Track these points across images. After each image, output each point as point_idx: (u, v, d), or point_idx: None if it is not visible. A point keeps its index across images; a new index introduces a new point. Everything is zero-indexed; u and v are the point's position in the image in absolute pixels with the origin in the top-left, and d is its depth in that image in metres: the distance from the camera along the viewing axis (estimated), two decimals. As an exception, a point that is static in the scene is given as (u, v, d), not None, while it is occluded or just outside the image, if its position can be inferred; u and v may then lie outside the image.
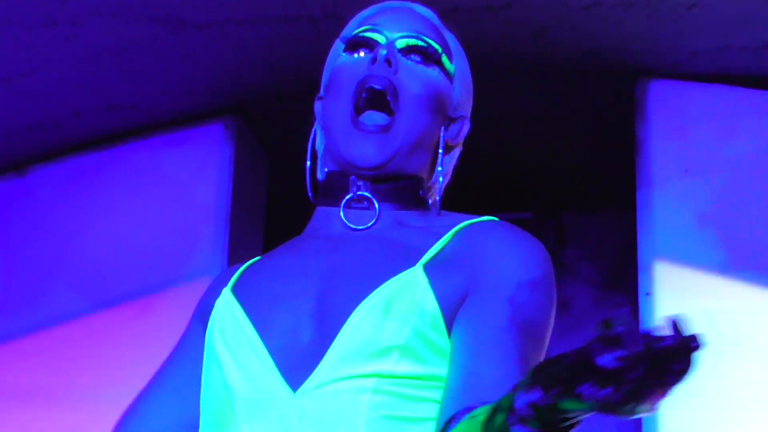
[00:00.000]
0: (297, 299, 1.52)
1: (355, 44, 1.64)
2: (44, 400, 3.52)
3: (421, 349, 1.45)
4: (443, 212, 1.62)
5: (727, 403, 3.15)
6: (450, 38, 1.70)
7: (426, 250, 1.52)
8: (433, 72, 1.63)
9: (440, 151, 1.63)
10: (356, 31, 1.66)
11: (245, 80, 3.56)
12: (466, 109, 1.71)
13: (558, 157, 3.99)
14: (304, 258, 1.58)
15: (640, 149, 3.44)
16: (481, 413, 1.26)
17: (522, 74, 3.53)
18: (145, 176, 3.69)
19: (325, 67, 1.71)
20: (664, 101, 3.47)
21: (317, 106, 1.70)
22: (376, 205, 1.59)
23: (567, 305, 4.13)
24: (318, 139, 1.69)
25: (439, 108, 1.63)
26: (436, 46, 1.64)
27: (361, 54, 1.63)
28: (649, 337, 1.08)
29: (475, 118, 1.71)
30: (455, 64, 1.68)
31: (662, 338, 1.08)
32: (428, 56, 1.63)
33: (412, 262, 1.50)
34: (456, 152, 1.70)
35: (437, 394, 1.44)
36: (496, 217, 1.60)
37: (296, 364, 1.47)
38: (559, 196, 4.22)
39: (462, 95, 1.69)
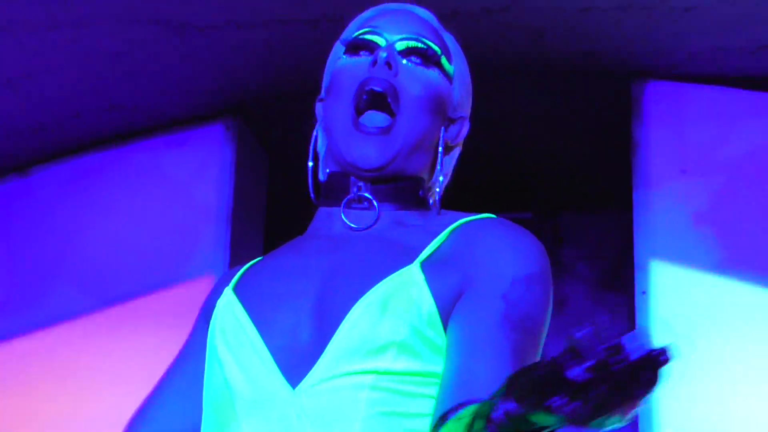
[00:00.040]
0: (298, 299, 1.53)
1: (355, 47, 1.65)
2: (45, 399, 3.52)
3: (419, 345, 1.45)
4: (443, 211, 1.62)
5: (722, 401, 3.16)
6: (449, 39, 1.71)
7: (423, 248, 1.53)
8: (432, 73, 1.63)
9: (440, 151, 1.63)
10: (356, 34, 1.66)
11: (246, 81, 3.56)
12: (466, 109, 1.71)
13: (557, 158, 3.99)
14: (305, 258, 1.58)
15: (637, 149, 3.44)
16: (466, 416, 1.26)
17: (520, 75, 3.53)
18: (146, 176, 3.69)
19: (326, 69, 1.71)
20: (661, 102, 3.46)
21: (318, 107, 1.70)
22: (376, 206, 1.59)
23: (564, 304, 4.13)
24: (319, 140, 1.69)
25: (439, 109, 1.63)
26: (436, 48, 1.65)
27: (362, 56, 1.63)
28: (617, 349, 1.07)
29: (474, 119, 1.71)
30: (454, 65, 1.69)
31: (630, 351, 1.07)
32: (428, 58, 1.63)
33: (409, 261, 1.51)
34: (456, 152, 1.70)
35: (435, 391, 1.45)
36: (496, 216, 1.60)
37: (296, 362, 1.48)
38: (557, 197, 4.22)
39: (461, 96, 1.69)
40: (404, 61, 1.62)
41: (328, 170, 1.65)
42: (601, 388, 1.07)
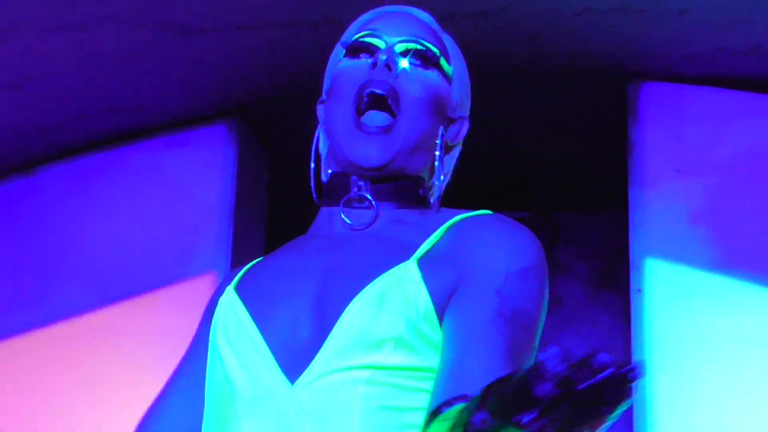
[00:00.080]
0: (297, 297, 1.54)
1: (355, 49, 1.65)
2: (49, 397, 3.52)
3: (415, 341, 1.46)
4: (442, 209, 1.62)
5: (719, 400, 3.15)
6: (447, 40, 1.72)
7: (420, 245, 1.54)
8: (432, 75, 1.64)
9: (439, 151, 1.64)
10: (356, 37, 1.67)
11: (247, 83, 3.56)
12: (465, 109, 1.72)
13: (554, 158, 3.98)
14: (306, 257, 1.59)
15: (632, 150, 3.43)
16: (449, 419, 1.25)
17: (517, 77, 3.52)
18: (149, 176, 3.68)
19: (326, 72, 1.72)
20: (656, 103, 3.46)
21: (319, 109, 1.72)
22: (374, 204, 1.60)
23: (560, 302, 4.14)
24: (321, 141, 1.70)
25: (438, 110, 1.64)
26: (435, 50, 1.66)
27: (362, 59, 1.64)
28: (582, 368, 1.08)
29: (472, 119, 1.72)
30: (453, 65, 1.70)
31: (597, 369, 1.08)
32: (427, 59, 1.64)
33: (406, 257, 1.51)
34: (456, 152, 1.72)
35: (431, 385, 1.45)
36: (493, 216, 1.60)
37: (295, 358, 1.49)
38: (555, 196, 4.20)
39: (461, 96, 1.70)
40: (404, 63, 1.63)
41: (330, 171, 1.65)
42: (565, 406, 1.08)
